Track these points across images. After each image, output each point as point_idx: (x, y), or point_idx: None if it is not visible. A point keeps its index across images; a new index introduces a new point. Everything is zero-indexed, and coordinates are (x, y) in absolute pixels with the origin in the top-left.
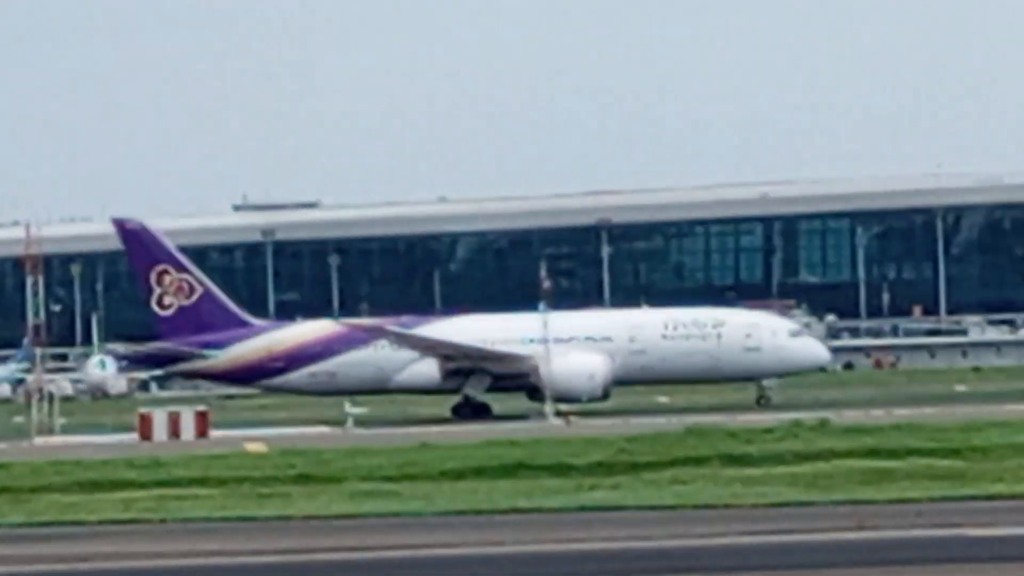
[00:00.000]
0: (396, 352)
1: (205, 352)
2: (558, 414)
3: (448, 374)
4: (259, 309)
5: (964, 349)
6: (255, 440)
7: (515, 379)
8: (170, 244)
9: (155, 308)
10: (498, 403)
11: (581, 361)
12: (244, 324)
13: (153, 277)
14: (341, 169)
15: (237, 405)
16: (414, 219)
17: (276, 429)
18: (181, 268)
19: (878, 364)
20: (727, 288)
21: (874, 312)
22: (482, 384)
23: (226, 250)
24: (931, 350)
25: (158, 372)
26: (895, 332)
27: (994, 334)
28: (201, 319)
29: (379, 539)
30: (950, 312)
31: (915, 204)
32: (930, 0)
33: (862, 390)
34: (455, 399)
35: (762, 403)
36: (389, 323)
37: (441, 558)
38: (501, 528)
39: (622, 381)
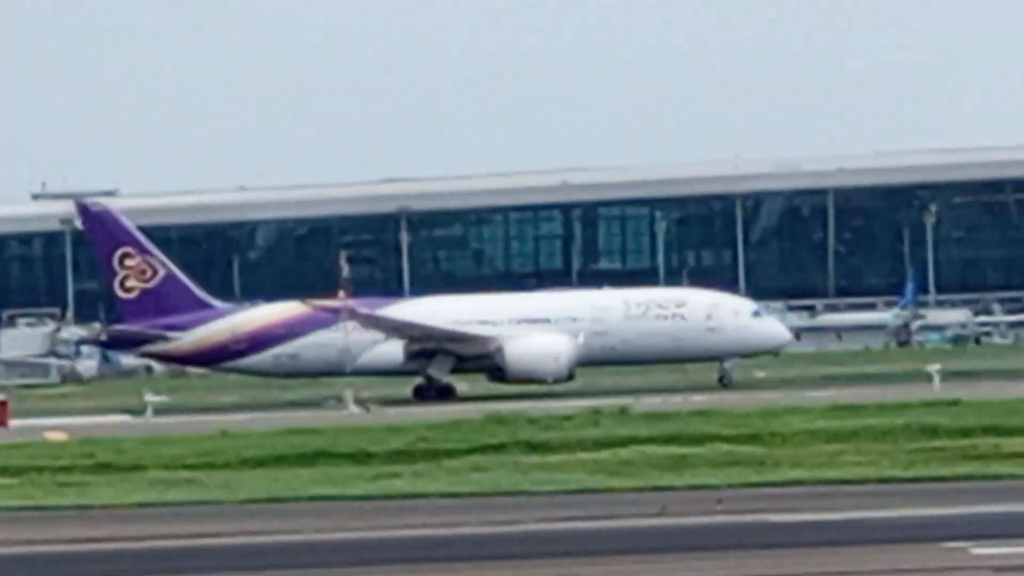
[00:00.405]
0: (358, 334)
1: (168, 335)
2: (358, 402)
3: (411, 356)
4: (59, 298)
5: None
6: (56, 429)
7: (479, 360)
8: (132, 227)
9: (118, 291)
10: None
11: (546, 342)
12: (207, 306)
13: (116, 260)
14: (141, 157)
15: (37, 394)
16: (213, 207)
17: (77, 418)
18: (144, 251)
19: None
20: (527, 275)
21: None
22: (446, 366)
23: (25, 240)
24: None
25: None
26: None
27: (794, 320)
28: (164, 302)
29: (180, 527)
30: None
31: (714, 191)
32: None
33: (662, 377)
34: (412, 381)
35: (724, 383)
36: (357, 305)
37: (241, 546)
38: (301, 516)
39: (584, 362)
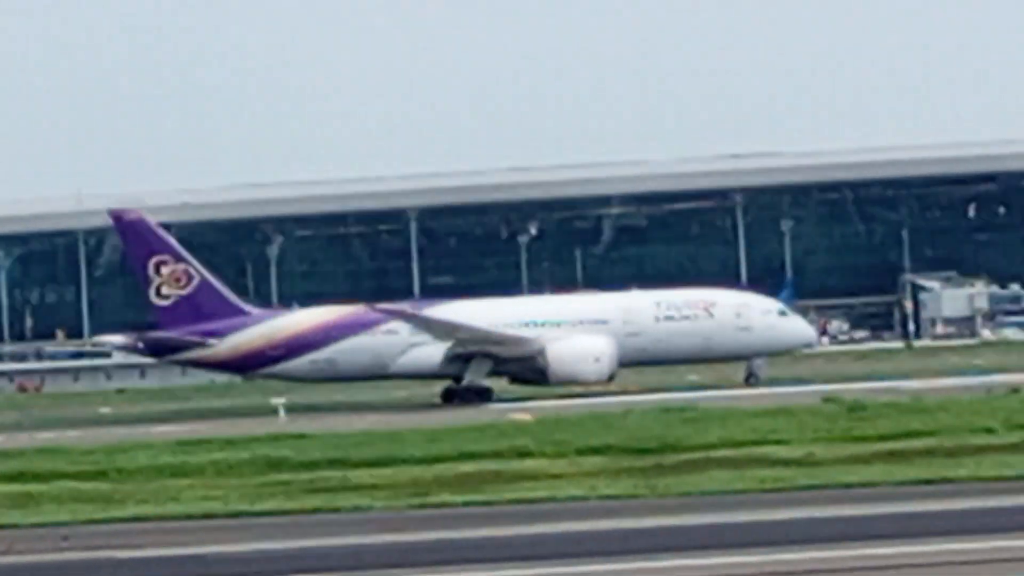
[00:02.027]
0: (394, 338)
1: (206, 341)
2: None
3: (451, 359)
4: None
5: (108, 371)
6: None
7: (520, 363)
8: (167, 234)
9: (153, 298)
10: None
11: (587, 344)
12: (242, 312)
13: (151, 267)
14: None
15: None
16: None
17: None
18: (179, 258)
19: (23, 388)
20: None
21: (18, 336)
22: (484, 368)
23: None
24: (76, 373)
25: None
26: (39, 356)
27: (137, 357)
28: (200, 308)
29: None
30: (93, 334)
31: (57, 227)
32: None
33: (5, 415)
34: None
35: (751, 381)
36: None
37: None
38: None
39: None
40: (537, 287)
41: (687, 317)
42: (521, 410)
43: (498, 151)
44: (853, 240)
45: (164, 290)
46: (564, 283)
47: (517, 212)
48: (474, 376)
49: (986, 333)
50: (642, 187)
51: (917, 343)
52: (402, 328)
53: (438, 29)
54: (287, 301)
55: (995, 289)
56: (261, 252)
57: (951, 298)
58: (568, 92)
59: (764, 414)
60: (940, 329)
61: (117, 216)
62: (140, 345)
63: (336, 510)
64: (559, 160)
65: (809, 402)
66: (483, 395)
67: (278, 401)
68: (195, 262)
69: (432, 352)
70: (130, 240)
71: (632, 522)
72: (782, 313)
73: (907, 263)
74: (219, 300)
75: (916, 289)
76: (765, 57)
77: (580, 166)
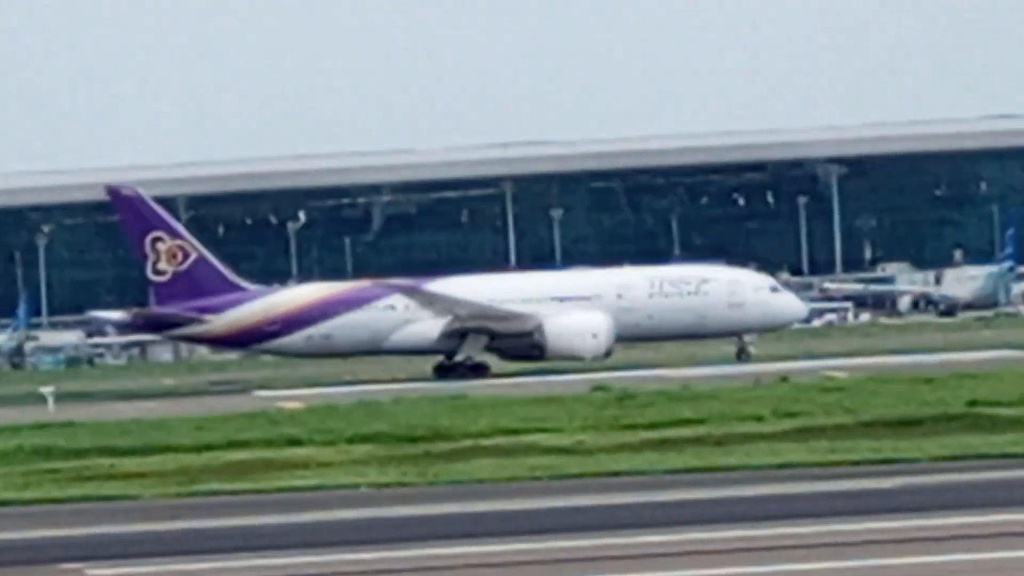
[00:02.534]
0: (390, 314)
1: (203, 317)
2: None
3: (448, 334)
4: None
5: None
6: None
7: (517, 339)
8: (163, 211)
9: (150, 274)
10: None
11: (583, 320)
12: (238, 288)
13: (148, 243)
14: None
15: None
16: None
17: None
18: (175, 234)
19: None
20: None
21: None
22: (479, 344)
23: None
24: None
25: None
26: None
27: None
28: (196, 284)
29: None
30: None
31: None
32: None
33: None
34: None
35: (742, 358)
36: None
37: None
38: None
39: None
40: (306, 275)
41: (681, 293)
42: (291, 398)
43: (269, 139)
44: (622, 228)
45: (160, 266)
46: (333, 271)
47: (286, 200)
48: (469, 352)
49: None
50: (412, 175)
51: None
52: (399, 304)
53: (180, 22)
54: (61, 289)
55: None
56: (30, 241)
57: None
58: (338, 81)
59: (535, 402)
60: None
61: (114, 192)
62: (138, 321)
63: (105, 499)
64: (329, 148)
65: (579, 390)
66: (479, 371)
67: (47, 390)
68: (191, 238)
69: (428, 328)
70: (126, 216)
71: (403, 510)
72: (774, 289)
73: (676, 251)
74: (216, 276)
75: None
76: (534, 47)
77: (349, 154)
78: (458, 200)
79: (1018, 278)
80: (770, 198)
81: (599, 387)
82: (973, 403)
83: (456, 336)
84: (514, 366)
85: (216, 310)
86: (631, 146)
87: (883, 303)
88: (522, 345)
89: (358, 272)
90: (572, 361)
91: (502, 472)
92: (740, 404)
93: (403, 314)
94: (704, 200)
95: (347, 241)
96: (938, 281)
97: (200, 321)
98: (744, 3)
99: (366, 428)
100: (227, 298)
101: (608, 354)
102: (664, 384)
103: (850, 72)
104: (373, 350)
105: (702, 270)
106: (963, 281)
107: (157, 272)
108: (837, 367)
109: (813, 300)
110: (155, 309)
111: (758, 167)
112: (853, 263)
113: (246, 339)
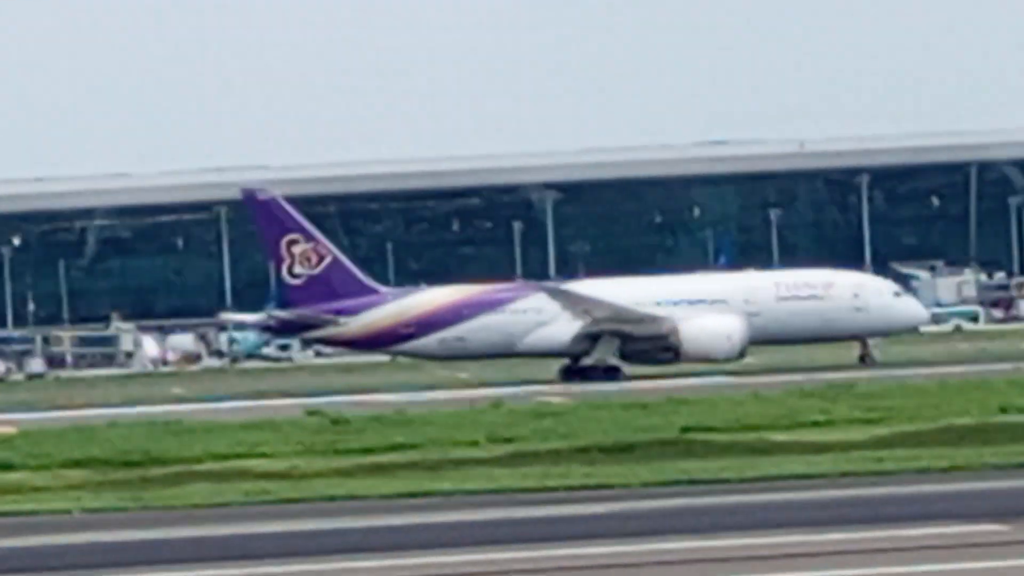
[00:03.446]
0: (523, 316)
1: (339, 319)
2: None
3: (582, 337)
4: None
5: None
6: None
7: (651, 341)
8: (298, 214)
9: (285, 277)
10: None
11: (719, 322)
12: (373, 291)
13: (283, 247)
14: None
15: None
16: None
17: None
18: (310, 237)
19: None
20: None
21: None
22: (612, 347)
23: None
24: None
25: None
26: None
27: None
28: (331, 287)
29: None
30: None
31: None
32: None
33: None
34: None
35: (866, 361)
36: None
37: None
38: None
39: None
40: (22, 299)
41: (806, 297)
42: (3, 422)
43: None
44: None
45: (296, 269)
46: (47, 295)
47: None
48: (602, 355)
49: None
50: (126, 200)
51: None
52: (529, 307)
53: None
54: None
55: None
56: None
57: None
58: (48, 104)
59: (249, 427)
60: None
61: (250, 195)
62: (273, 323)
63: None
64: (42, 172)
65: (293, 415)
66: (612, 373)
67: None
68: (326, 241)
69: (560, 330)
70: (263, 220)
71: (117, 535)
72: (896, 295)
73: (391, 277)
74: (350, 278)
75: None
76: (247, 70)
77: (63, 179)
78: (173, 224)
79: None
80: (487, 223)
81: (313, 412)
82: (686, 429)
83: (589, 339)
84: (645, 369)
85: (352, 312)
86: (345, 171)
87: None
88: (656, 348)
89: (73, 296)
90: (707, 363)
91: (216, 497)
92: (455, 429)
93: (535, 317)
94: (421, 225)
95: (61, 265)
96: None
97: (335, 323)
98: (457, 28)
99: (80, 453)
100: (362, 300)
101: (743, 355)
102: (378, 409)
103: (564, 97)
104: (506, 352)
105: (827, 274)
106: None
107: (292, 275)
108: (552, 392)
109: None
110: (290, 311)
111: (473, 193)
112: None
113: (380, 341)
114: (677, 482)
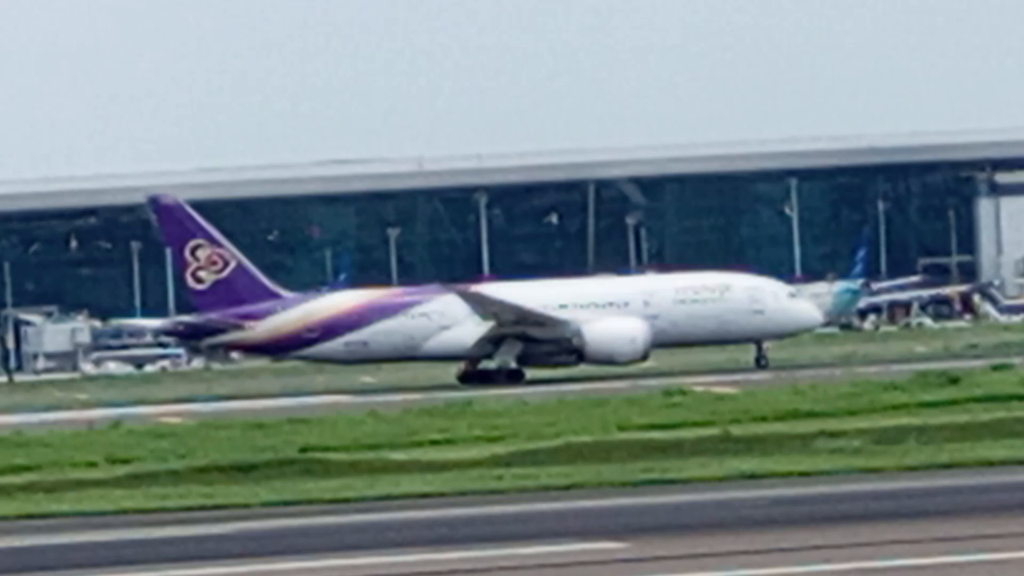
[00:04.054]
0: (426, 320)
1: (244, 324)
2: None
3: (486, 340)
4: None
5: None
6: None
7: (554, 344)
8: (202, 219)
9: (190, 282)
10: None
11: (622, 325)
12: (276, 296)
13: (188, 252)
14: None
15: None
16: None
17: None
18: (214, 242)
19: None
20: None
21: None
22: (514, 350)
23: None
24: None
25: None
26: None
27: None
28: (236, 292)
29: None
30: None
31: None
32: None
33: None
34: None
35: (761, 364)
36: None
37: None
38: None
39: None
40: None
41: (704, 300)
42: None
43: None
44: None
45: (200, 274)
46: None
47: None
48: (504, 358)
49: (88, 367)
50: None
51: (20, 378)
52: (433, 311)
53: None
54: None
55: (97, 324)
56: None
57: (54, 332)
58: None
59: None
60: (42, 364)
61: (154, 200)
62: (180, 328)
63: None
64: None
65: None
66: (515, 377)
67: None
68: (230, 246)
69: (463, 333)
70: (167, 224)
71: None
72: (791, 296)
73: (9, 299)
74: (254, 283)
75: (19, 324)
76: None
77: None
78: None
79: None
80: (105, 243)
81: None
82: (305, 449)
83: (492, 342)
84: (546, 372)
85: (257, 317)
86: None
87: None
88: (559, 350)
89: None
90: (610, 366)
91: None
92: (73, 451)
93: (438, 321)
94: (37, 245)
95: None
96: None
97: (241, 328)
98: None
99: None
100: (266, 305)
101: (646, 357)
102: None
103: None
104: (409, 356)
105: (724, 277)
106: None
107: (197, 280)
108: (171, 412)
109: None
110: (195, 316)
111: (91, 212)
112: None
113: (286, 346)
114: (297, 502)
